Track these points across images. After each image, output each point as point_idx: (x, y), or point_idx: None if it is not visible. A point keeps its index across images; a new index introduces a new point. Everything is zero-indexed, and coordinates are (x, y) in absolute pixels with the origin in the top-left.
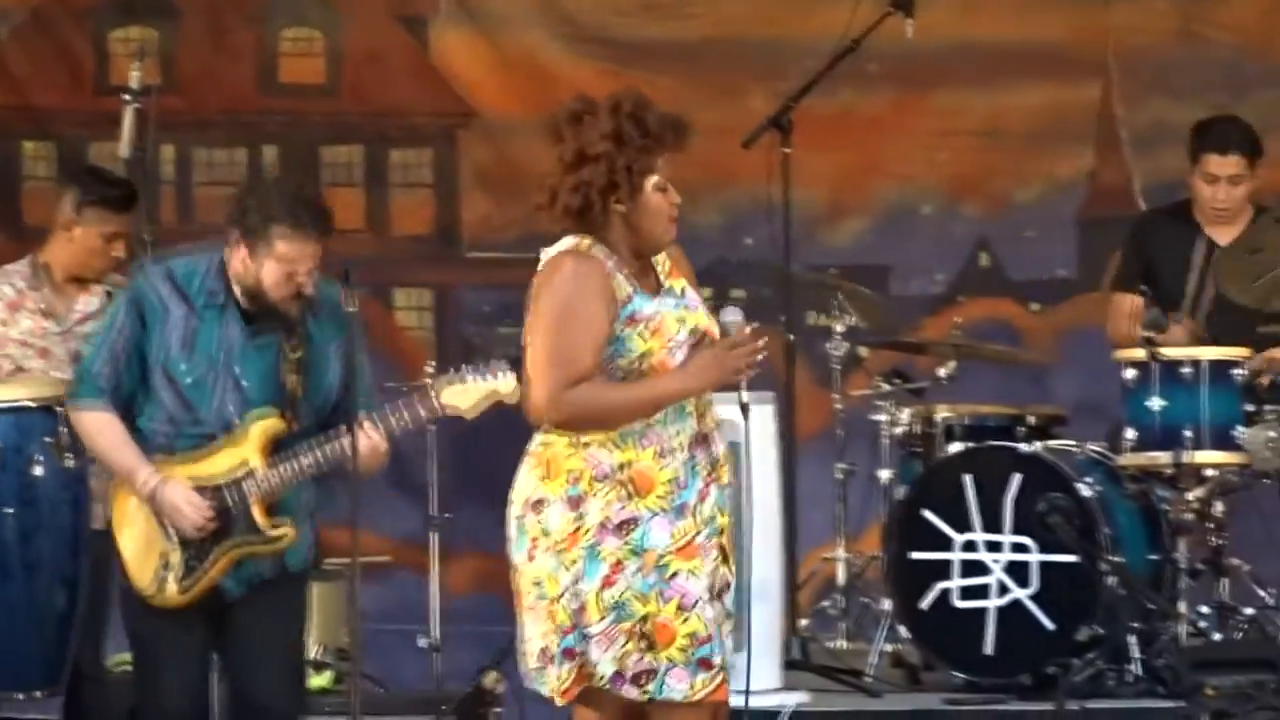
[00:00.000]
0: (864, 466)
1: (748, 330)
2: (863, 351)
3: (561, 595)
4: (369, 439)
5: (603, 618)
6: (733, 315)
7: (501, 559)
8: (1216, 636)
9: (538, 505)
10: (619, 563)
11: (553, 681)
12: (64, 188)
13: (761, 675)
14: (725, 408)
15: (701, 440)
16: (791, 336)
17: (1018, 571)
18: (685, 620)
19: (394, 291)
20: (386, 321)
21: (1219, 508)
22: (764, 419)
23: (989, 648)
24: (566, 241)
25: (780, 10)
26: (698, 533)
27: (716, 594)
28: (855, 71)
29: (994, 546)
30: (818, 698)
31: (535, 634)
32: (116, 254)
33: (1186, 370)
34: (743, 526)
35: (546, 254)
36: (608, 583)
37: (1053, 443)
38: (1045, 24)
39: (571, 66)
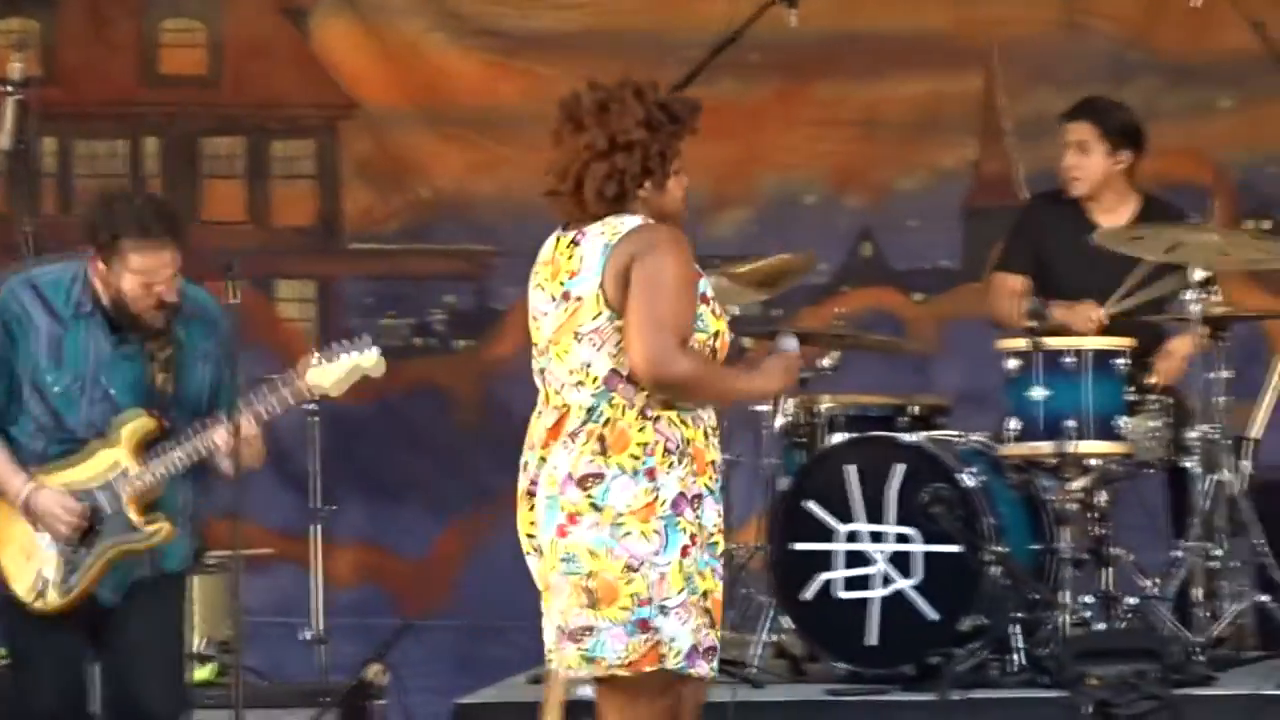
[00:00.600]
0: (747, 457)
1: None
2: (746, 342)
3: (635, 567)
4: (241, 429)
5: (681, 589)
6: (791, 343)
7: (385, 551)
8: (1099, 626)
9: (587, 480)
10: (694, 536)
11: (614, 650)
12: None
13: None
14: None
15: (716, 431)
16: None
17: (901, 562)
18: (720, 600)
19: (276, 283)
20: (269, 313)
21: (1102, 497)
22: None
23: (872, 638)
24: (629, 218)
25: (662, 1)
26: (723, 519)
27: None
28: (737, 62)
29: (877, 537)
30: None
31: (553, 609)
32: None
33: (1069, 360)
34: None
35: (606, 229)
36: (684, 553)
37: (935, 433)
38: (927, 14)
39: (454, 57)
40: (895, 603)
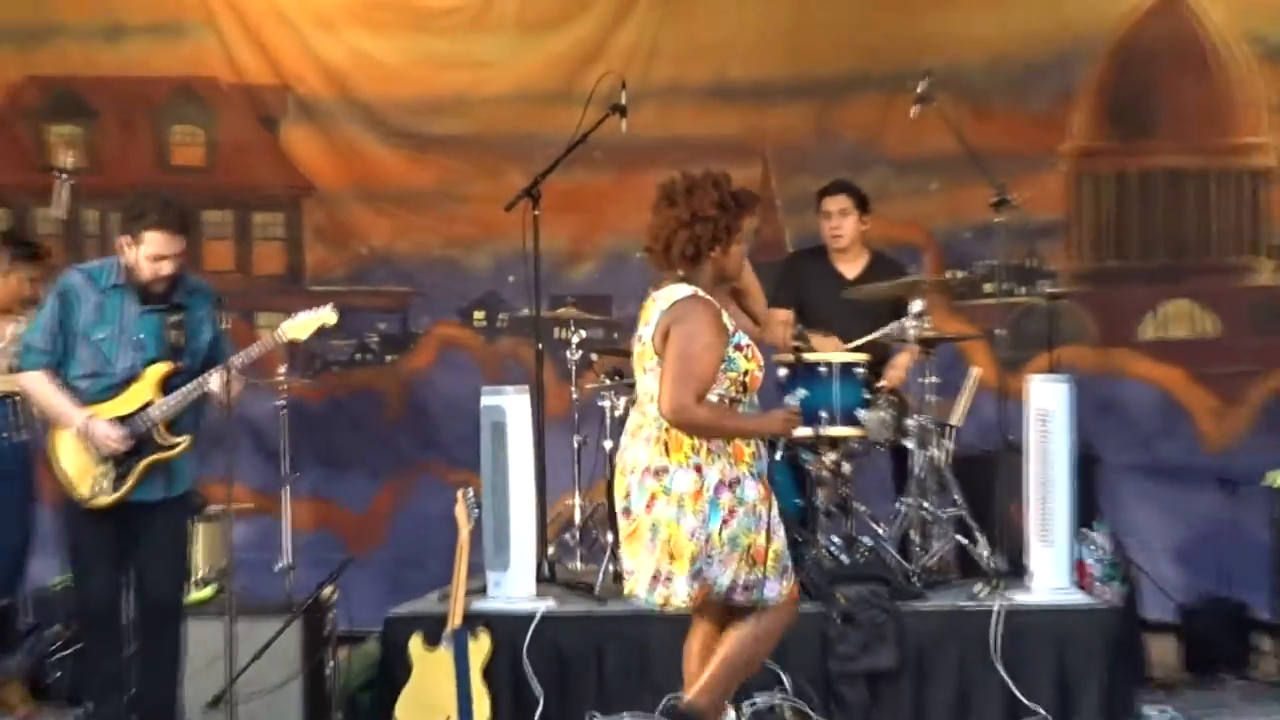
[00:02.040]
0: (593, 438)
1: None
2: (593, 356)
3: (691, 535)
4: (234, 368)
5: (723, 548)
6: (798, 398)
7: (335, 506)
8: (845, 560)
9: (659, 472)
10: (732, 509)
11: (682, 594)
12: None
13: (521, 587)
14: (493, 399)
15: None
16: (540, 345)
17: None
18: (771, 544)
19: (257, 314)
20: (250, 336)
21: (846, 467)
22: (521, 405)
23: None
24: (683, 288)
25: (530, 113)
26: (769, 488)
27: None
28: (585, 157)
29: None
30: (561, 603)
31: (649, 562)
32: (33, 294)
33: (823, 369)
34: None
35: (668, 296)
36: (725, 523)
37: None
38: (721, 123)
39: (383, 152)
40: None
